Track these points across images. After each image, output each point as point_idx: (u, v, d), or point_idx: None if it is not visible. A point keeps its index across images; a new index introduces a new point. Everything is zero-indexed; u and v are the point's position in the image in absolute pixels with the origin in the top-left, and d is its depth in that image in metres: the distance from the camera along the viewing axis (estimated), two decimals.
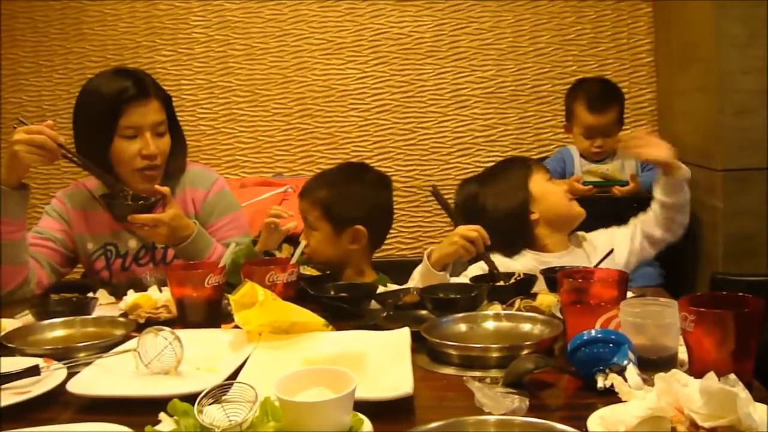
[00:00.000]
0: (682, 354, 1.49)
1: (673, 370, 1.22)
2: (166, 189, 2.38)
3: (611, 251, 2.36)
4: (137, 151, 2.43)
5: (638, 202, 3.63)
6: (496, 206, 2.62)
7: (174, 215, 2.35)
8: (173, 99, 2.62)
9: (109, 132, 2.42)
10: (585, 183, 3.49)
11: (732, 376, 1.18)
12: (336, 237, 2.55)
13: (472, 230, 2.28)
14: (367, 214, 2.57)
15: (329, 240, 2.55)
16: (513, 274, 2.21)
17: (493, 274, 2.24)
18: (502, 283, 2.15)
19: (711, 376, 1.16)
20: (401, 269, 2.63)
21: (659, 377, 1.21)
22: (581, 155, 3.76)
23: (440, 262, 2.30)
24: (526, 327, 1.78)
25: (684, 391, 1.16)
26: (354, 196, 2.60)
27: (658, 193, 2.60)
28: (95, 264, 2.58)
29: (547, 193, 2.62)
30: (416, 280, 2.35)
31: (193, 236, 2.39)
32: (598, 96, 3.71)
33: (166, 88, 2.61)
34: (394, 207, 2.76)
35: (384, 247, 2.76)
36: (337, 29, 4.57)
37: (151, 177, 2.47)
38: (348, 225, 2.54)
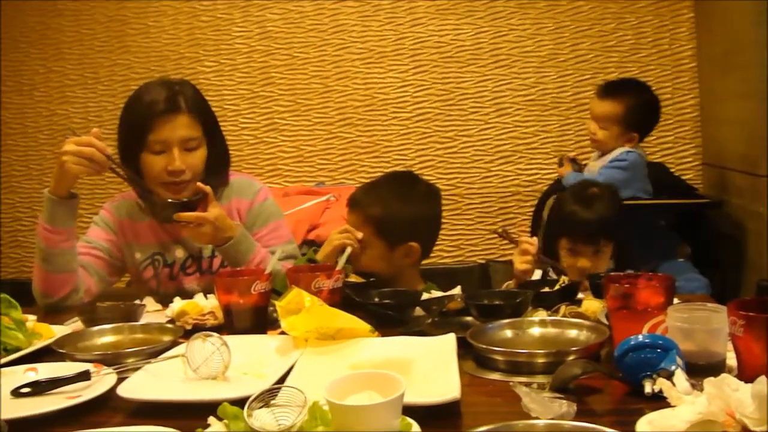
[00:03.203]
0: (731, 360, 1.48)
1: (723, 375, 1.21)
2: (207, 188, 2.40)
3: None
4: (164, 166, 2.43)
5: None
6: None
7: (218, 215, 2.37)
8: (215, 110, 2.63)
9: (139, 145, 2.43)
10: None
11: None
12: (389, 253, 2.53)
13: (524, 246, 2.41)
14: (419, 229, 2.57)
15: (382, 256, 2.52)
16: (557, 280, 2.20)
17: (553, 274, 2.34)
18: (547, 289, 2.14)
19: (762, 380, 1.15)
20: (445, 276, 2.64)
21: (709, 382, 1.20)
22: None
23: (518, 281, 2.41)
24: (572, 333, 1.77)
25: (735, 396, 1.15)
26: (407, 212, 2.55)
27: None
28: (143, 273, 2.60)
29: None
30: None
31: (236, 237, 2.41)
32: (606, 83, 3.73)
33: (208, 98, 2.61)
34: None
35: None
36: (378, 38, 4.59)
37: (177, 191, 2.47)
38: (402, 242, 2.52)
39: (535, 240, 2.45)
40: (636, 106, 3.61)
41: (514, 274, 2.44)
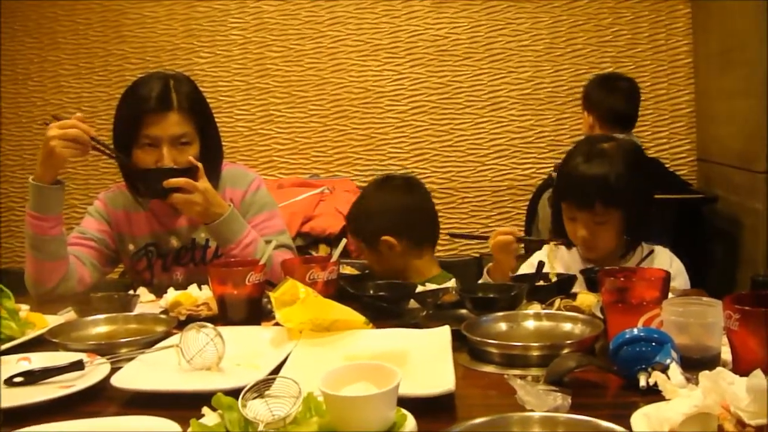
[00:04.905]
0: (725, 354, 1.48)
1: (719, 368, 1.21)
2: (198, 163, 2.39)
3: (652, 251, 2.35)
4: (153, 162, 2.42)
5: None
6: None
7: (207, 187, 2.37)
8: (210, 101, 2.62)
9: (131, 140, 2.43)
10: None
11: None
12: (374, 252, 2.59)
13: (499, 234, 2.30)
14: (395, 221, 2.59)
15: (371, 256, 2.60)
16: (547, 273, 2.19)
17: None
18: (542, 282, 2.14)
19: (757, 373, 1.15)
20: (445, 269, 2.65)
21: (704, 375, 1.20)
22: None
23: (498, 272, 2.33)
24: (567, 326, 1.77)
25: (730, 389, 1.15)
26: (374, 209, 2.64)
27: None
28: (137, 264, 2.60)
29: None
30: None
31: (227, 215, 2.40)
32: None
33: (203, 89, 2.59)
34: None
35: None
36: (374, 31, 4.58)
37: None
38: (375, 237, 2.57)
39: (504, 230, 2.33)
40: (588, 86, 3.85)
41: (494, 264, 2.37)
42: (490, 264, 2.37)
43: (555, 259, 2.25)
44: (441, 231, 2.79)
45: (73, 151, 2.30)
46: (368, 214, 2.64)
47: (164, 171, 2.37)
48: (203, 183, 2.37)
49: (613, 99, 3.72)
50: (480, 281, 2.37)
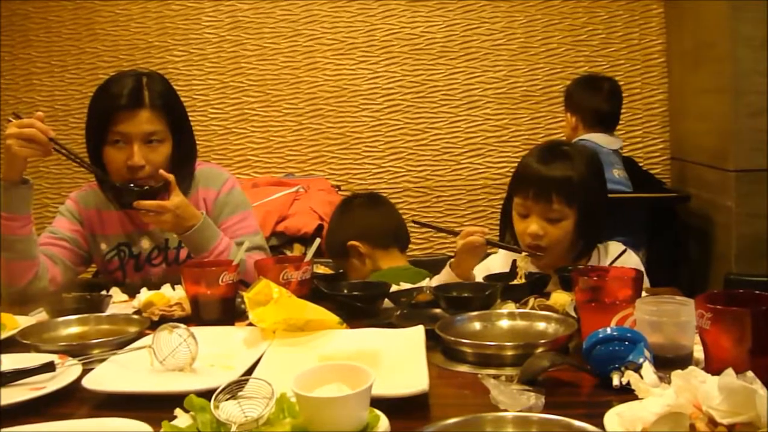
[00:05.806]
0: (698, 353, 1.49)
1: (691, 367, 1.22)
2: (170, 176, 2.38)
3: (625, 250, 2.35)
4: (124, 160, 2.40)
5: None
6: None
7: (179, 203, 2.35)
8: (184, 100, 2.60)
9: (102, 138, 2.41)
10: None
11: (749, 373, 1.17)
12: (347, 261, 2.72)
13: (469, 235, 2.25)
14: (358, 229, 2.74)
15: (346, 267, 2.69)
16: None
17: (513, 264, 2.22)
18: (516, 281, 2.14)
19: (729, 372, 1.15)
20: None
21: (677, 374, 1.20)
22: None
23: (460, 269, 2.28)
24: (541, 325, 1.77)
25: (702, 388, 1.16)
26: (339, 224, 2.84)
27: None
28: (109, 264, 2.58)
29: None
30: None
31: (198, 225, 2.38)
32: None
33: (177, 88, 2.57)
34: (405, 207, 2.81)
35: None
36: (349, 29, 4.58)
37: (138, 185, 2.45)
38: (341, 248, 2.72)
39: (474, 229, 2.26)
40: (570, 87, 3.87)
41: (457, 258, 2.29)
42: (452, 260, 2.33)
43: (528, 267, 2.21)
44: (422, 217, 2.88)
45: (31, 151, 2.27)
46: (335, 230, 2.82)
47: (136, 191, 2.35)
48: (174, 199, 2.35)
49: (596, 100, 3.73)
50: (440, 275, 2.36)
